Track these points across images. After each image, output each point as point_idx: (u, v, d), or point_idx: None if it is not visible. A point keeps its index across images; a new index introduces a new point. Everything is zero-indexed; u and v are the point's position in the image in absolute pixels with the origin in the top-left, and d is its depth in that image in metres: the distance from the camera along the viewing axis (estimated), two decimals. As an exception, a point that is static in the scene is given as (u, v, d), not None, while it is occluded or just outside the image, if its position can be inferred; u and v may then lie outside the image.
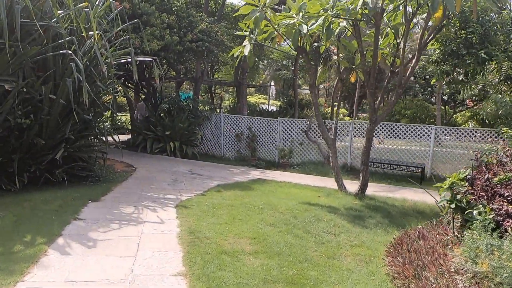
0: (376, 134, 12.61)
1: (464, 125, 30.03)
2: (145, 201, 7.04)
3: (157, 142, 13.77)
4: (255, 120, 14.20)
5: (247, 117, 14.77)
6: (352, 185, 9.51)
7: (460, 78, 9.39)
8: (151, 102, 15.55)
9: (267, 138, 13.83)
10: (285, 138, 13.60)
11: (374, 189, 9.22)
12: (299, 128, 13.54)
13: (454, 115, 31.67)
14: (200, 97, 17.07)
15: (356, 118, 25.58)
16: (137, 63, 10.17)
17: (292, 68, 28.87)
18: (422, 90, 32.61)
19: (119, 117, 20.90)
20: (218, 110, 16.30)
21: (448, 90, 29.39)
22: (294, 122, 13.77)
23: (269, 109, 24.92)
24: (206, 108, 15.92)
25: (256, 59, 18.45)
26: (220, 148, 14.74)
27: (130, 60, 8.24)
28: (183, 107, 14.53)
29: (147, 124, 14.35)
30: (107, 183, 8.36)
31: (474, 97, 24.07)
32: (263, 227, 5.71)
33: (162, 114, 14.81)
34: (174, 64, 14.54)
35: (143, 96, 16.80)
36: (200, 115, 14.80)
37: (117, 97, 12.99)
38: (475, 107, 30.67)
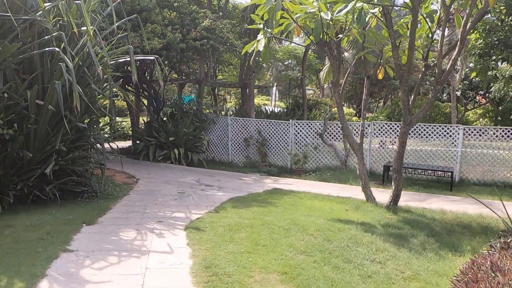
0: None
1: (475, 122, 29.01)
2: (149, 222, 6.03)
3: (160, 149, 12.75)
4: (265, 123, 13.18)
5: (256, 120, 13.75)
6: (377, 193, 8.50)
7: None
8: (153, 106, 14.58)
9: (279, 142, 12.81)
10: (298, 141, 12.58)
11: (404, 198, 8.16)
12: (313, 131, 12.53)
13: (466, 113, 30.63)
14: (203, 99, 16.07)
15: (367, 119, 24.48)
16: (138, 63, 9.22)
17: (297, 68, 27.84)
18: (432, 87, 31.56)
19: (119, 123, 19.94)
20: (223, 113, 15.26)
21: (460, 86, 28.35)
22: (307, 124, 12.75)
23: (276, 111, 23.90)
24: (211, 111, 14.92)
25: (260, 59, 17.30)
26: (227, 154, 13.73)
27: (129, 59, 7.24)
28: (187, 111, 13.54)
29: (149, 129, 13.36)
30: (105, 199, 7.36)
31: (488, 94, 22.91)
32: (294, 256, 4.69)
33: (165, 119, 13.82)
34: (177, 64, 13.55)
35: (144, 100, 15.84)
36: (205, 119, 13.78)
37: (116, 101, 12.00)
38: (487, 104, 29.67)
